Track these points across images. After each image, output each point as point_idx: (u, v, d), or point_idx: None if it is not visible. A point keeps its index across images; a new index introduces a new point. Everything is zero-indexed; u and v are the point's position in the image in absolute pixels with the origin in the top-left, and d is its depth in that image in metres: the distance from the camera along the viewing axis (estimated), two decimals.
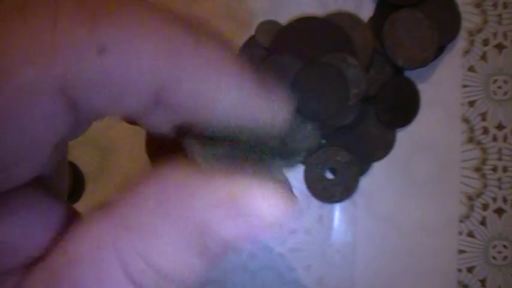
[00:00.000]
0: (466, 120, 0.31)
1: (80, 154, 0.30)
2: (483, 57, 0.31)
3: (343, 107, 0.28)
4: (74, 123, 0.10)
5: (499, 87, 0.31)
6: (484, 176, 0.31)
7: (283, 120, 0.11)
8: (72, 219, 0.12)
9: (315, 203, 0.30)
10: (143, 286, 0.10)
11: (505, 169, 0.31)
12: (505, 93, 0.31)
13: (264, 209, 0.10)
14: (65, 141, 0.12)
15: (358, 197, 0.30)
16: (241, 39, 0.30)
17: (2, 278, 0.11)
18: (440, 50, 0.30)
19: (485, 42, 0.31)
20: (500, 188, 0.31)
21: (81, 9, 0.09)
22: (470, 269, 0.31)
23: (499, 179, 0.31)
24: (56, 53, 0.09)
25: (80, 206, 0.30)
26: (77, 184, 0.29)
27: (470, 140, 0.31)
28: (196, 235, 0.10)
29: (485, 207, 0.31)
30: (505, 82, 0.31)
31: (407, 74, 0.30)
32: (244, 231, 0.10)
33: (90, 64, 0.09)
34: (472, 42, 0.31)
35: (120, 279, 0.10)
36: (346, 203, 0.30)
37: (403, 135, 0.31)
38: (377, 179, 0.31)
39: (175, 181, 0.10)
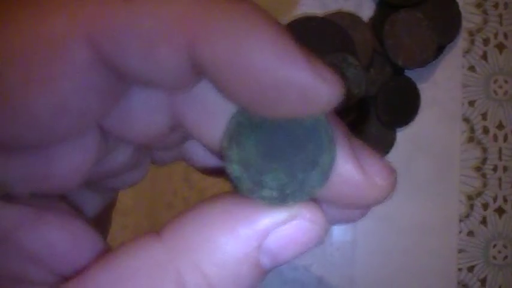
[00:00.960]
0: (466, 119, 0.31)
1: None
2: (483, 57, 0.31)
3: (343, 107, 0.28)
4: (109, 88, 0.10)
5: (500, 87, 0.31)
6: (484, 175, 0.31)
7: (338, 93, 0.10)
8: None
9: None
10: None
11: (505, 168, 0.31)
12: (505, 93, 0.31)
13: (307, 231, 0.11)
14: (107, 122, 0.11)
15: None
16: None
17: None
18: (440, 50, 0.30)
19: (486, 42, 0.31)
20: (500, 188, 0.31)
21: None
22: (470, 269, 0.31)
23: (499, 179, 0.31)
24: (82, 1, 0.09)
25: None
26: None
27: (471, 139, 0.31)
28: (254, 249, 0.10)
29: (485, 206, 0.31)
30: (505, 82, 0.31)
31: (408, 73, 0.30)
32: (298, 252, 0.11)
33: (117, 11, 0.09)
34: (472, 42, 0.31)
35: None
36: None
37: (403, 135, 0.31)
38: None
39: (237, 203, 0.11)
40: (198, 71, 0.10)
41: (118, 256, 0.11)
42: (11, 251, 0.11)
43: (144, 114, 0.11)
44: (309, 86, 0.09)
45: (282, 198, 0.10)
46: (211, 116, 0.11)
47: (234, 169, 0.11)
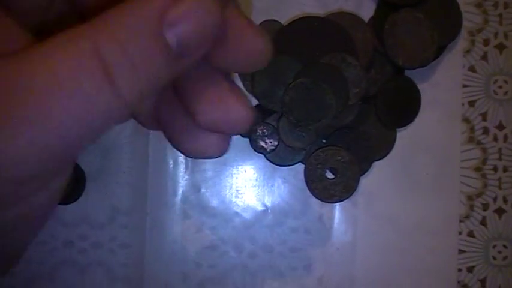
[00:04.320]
0: (466, 120, 0.31)
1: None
2: (484, 57, 0.31)
3: (343, 107, 0.28)
4: None
5: (500, 87, 0.31)
6: (484, 175, 0.31)
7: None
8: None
9: (315, 202, 0.30)
10: (116, 79, 0.12)
11: (505, 169, 0.31)
12: (506, 93, 0.31)
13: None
14: None
15: (359, 196, 0.30)
16: None
17: None
18: (441, 50, 0.30)
19: (486, 42, 0.31)
20: (500, 188, 0.31)
21: None
22: (470, 269, 0.31)
23: (499, 179, 0.31)
24: None
25: (79, 205, 0.30)
26: (77, 183, 0.29)
27: (471, 139, 0.31)
28: (156, 27, 0.12)
29: (485, 207, 0.31)
30: (506, 82, 0.31)
31: (408, 73, 0.30)
32: (197, 27, 0.12)
33: None
34: (472, 42, 0.31)
35: (95, 72, 0.11)
36: (346, 203, 0.30)
37: (403, 135, 0.31)
38: (377, 178, 0.31)
39: None
40: None
41: (51, 40, 0.12)
42: None
43: None
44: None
45: None
46: None
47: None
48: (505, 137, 0.31)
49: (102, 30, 0.11)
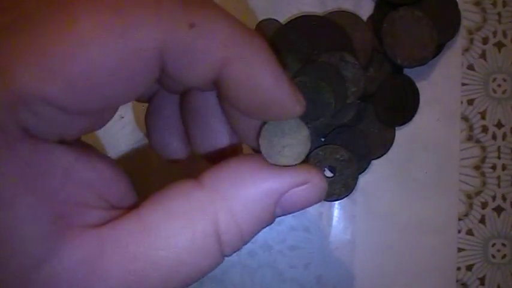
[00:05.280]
0: (465, 118, 0.31)
1: None
2: (482, 55, 0.31)
3: (341, 106, 0.28)
4: (154, 82, 0.14)
5: (499, 86, 0.31)
6: (483, 174, 0.31)
7: (303, 109, 0.15)
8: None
9: None
10: (223, 240, 0.14)
11: (504, 167, 0.31)
12: (504, 91, 0.31)
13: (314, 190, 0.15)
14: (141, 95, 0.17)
15: (358, 194, 0.31)
16: None
17: (87, 209, 0.14)
18: (439, 48, 0.30)
19: (485, 41, 0.31)
20: (499, 186, 0.31)
21: None
22: (469, 267, 0.31)
23: (498, 177, 0.31)
24: (160, 24, 0.12)
25: None
26: None
27: (470, 138, 0.31)
28: (270, 207, 0.14)
29: (484, 205, 0.31)
30: (504, 80, 0.31)
31: (407, 72, 0.30)
32: (302, 208, 0.15)
33: (183, 33, 0.12)
34: (471, 41, 0.31)
35: (209, 233, 0.14)
36: (345, 201, 0.30)
37: (402, 133, 0.31)
38: (376, 177, 0.31)
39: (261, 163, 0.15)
40: (215, 81, 0.14)
41: (167, 197, 0.14)
42: (74, 180, 0.13)
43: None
44: (289, 106, 0.14)
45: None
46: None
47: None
48: (504, 135, 0.31)
49: (220, 205, 0.14)
